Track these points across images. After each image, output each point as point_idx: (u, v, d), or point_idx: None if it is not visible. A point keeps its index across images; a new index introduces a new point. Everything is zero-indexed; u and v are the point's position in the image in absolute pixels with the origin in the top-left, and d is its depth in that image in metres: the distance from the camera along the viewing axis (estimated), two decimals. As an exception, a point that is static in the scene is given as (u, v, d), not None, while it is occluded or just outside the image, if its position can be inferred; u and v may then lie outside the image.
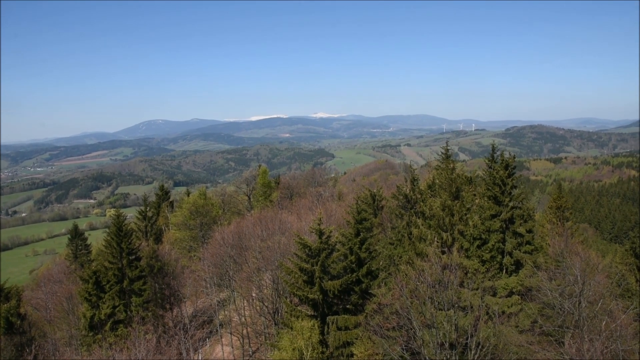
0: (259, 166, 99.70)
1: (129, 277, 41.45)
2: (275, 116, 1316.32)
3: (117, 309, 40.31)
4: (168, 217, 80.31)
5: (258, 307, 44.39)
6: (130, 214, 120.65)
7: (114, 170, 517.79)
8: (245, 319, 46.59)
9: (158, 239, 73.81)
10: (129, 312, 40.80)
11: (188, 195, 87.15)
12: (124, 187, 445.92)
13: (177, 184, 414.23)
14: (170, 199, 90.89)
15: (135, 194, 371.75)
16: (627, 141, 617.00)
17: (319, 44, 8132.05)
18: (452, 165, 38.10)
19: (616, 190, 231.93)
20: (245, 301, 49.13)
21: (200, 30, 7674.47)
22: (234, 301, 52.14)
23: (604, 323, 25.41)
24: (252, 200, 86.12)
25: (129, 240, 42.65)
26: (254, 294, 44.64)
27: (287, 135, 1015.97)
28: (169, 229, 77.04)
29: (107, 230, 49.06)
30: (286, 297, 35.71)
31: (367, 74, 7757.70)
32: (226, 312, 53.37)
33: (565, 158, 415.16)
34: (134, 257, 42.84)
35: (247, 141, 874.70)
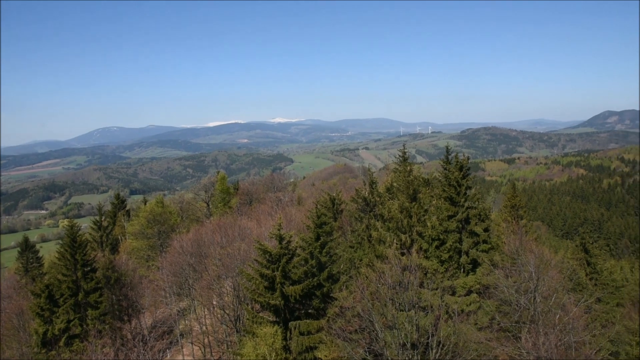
0: (218, 172, 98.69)
1: (84, 290, 40.17)
2: (233, 122, 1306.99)
3: (72, 323, 38.98)
4: (124, 227, 78.47)
5: (219, 315, 43.77)
6: (85, 224, 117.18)
7: (67, 180, 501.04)
8: (206, 328, 45.86)
9: (114, 249, 72.02)
10: (84, 326, 39.52)
11: (145, 204, 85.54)
12: (77, 197, 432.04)
13: (133, 192, 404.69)
14: (127, 208, 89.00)
15: (89, 204, 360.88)
16: (576, 141, 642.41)
17: (275, 48, 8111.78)
18: (409, 168, 38.61)
19: (566, 189, 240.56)
20: (205, 309, 48.35)
21: (154, 35, 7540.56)
22: (195, 310, 51.25)
23: (557, 317, 26.24)
24: (211, 207, 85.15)
25: (84, 252, 41.38)
26: (214, 302, 43.99)
27: (246, 140, 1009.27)
28: (125, 239, 75.28)
29: (60, 241, 47.43)
30: (247, 304, 35.33)
31: (325, 78, 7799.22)
32: (186, 322, 52.42)
33: (518, 158, 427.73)
34: (89, 268, 41.57)
35: (205, 147, 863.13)
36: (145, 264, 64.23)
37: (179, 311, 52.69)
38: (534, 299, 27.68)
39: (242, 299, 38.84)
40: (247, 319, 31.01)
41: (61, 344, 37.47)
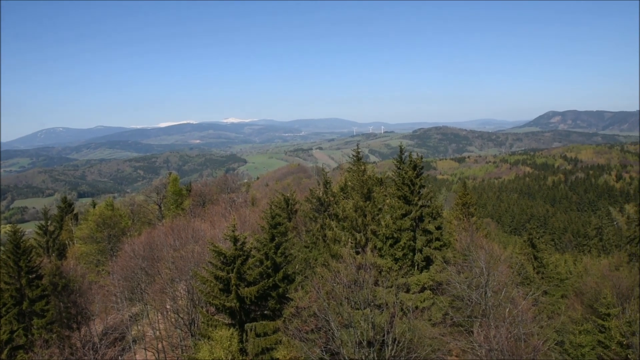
0: (170, 174, 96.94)
1: (29, 298, 38.54)
2: (185, 122, 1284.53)
3: (16, 333, 37.27)
4: (72, 231, 75.88)
5: (173, 319, 42.94)
6: (30, 229, 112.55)
7: (9, 183, 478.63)
8: (159, 333, 44.92)
9: (61, 255, 69.52)
10: (29, 336, 37.87)
11: (94, 207, 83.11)
12: (20, 201, 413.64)
13: (81, 195, 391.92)
14: (75, 212, 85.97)
15: (34, 208, 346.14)
16: (522, 140, 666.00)
17: (226, 49, 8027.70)
18: (363, 167, 38.93)
19: (514, 186, 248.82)
20: (159, 314, 47.35)
21: (101, 32, 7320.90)
22: (147, 315, 50.10)
23: (507, 310, 27.07)
24: (163, 209, 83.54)
25: (28, 258, 39.70)
26: (168, 306, 43.12)
27: (198, 141, 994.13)
28: (73, 243, 72.82)
29: (2, 248, 45.44)
30: (202, 307, 34.82)
31: (278, 78, 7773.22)
32: (139, 327, 51.17)
33: (469, 157, 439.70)
34: (34, 275, 39.89)
35: (156, 148, 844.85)
36: (95, 269, 62.31)
37: (131, 316, 51.40)
38: (485, 293, 28.48)
39: (197, 302, 38.25)
40: (202, 322, 30.53)
41: (3, 356, 35.79)
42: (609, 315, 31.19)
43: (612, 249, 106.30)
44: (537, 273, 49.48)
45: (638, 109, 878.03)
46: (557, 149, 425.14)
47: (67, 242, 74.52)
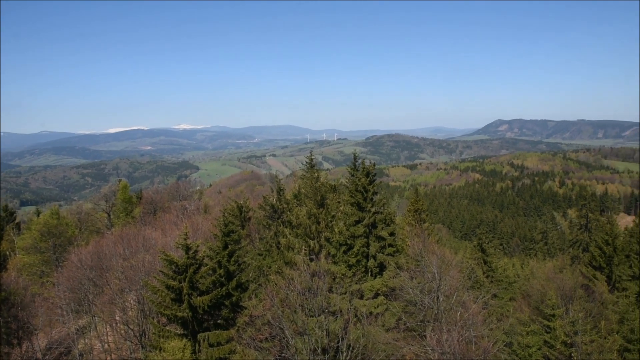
0: (119, 181, 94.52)
1: (-34, 312, 36.67)
2: (135, 128, 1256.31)
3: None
4: (14, 241, 72.66)
5: (123, 331, 41.69)
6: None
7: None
8: (108, 346, 43.51)
9: (2, 266, 66.39)
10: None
11: (38, 215, 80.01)
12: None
13: (24, 204, 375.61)
14: (17, 221, 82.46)
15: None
16: (472, 148, 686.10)
17: (178, 53, 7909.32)
18: (316, 175, 39.03)
19: (464, 192, 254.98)
20: (108, 326, 45.87)
21: (45, 31, 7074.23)
22: (95, 327, 48.43)
23: (458, 314, 27.62)
24: (112, 217, 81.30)
25: (-34, 270, 37.80)
26: (117, 318, 41.84)
27: (149, 147, 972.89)
28: (15, 254, 69.70)
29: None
30: (153, 318, 33.99)
31: (232, 84, 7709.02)
32: (86, 340, 49.38)
33: (420, 164, 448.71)
34: (-29, 288, 38.01)
35: (105, 155, 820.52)
36: (38, 281, 59.76)
37: (77, 330, 49.56)
38: (437, 298, 28.98)
39: (148, 313, 37.29)
40: (154, 334, 29.77)
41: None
42: (553, 316, 32.28)
43: (556, 252, 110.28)
44: (487, 277, 50.75)
45: (578, 118, 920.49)
46: (504, 156, 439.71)
47: (8, 253, 71.22)
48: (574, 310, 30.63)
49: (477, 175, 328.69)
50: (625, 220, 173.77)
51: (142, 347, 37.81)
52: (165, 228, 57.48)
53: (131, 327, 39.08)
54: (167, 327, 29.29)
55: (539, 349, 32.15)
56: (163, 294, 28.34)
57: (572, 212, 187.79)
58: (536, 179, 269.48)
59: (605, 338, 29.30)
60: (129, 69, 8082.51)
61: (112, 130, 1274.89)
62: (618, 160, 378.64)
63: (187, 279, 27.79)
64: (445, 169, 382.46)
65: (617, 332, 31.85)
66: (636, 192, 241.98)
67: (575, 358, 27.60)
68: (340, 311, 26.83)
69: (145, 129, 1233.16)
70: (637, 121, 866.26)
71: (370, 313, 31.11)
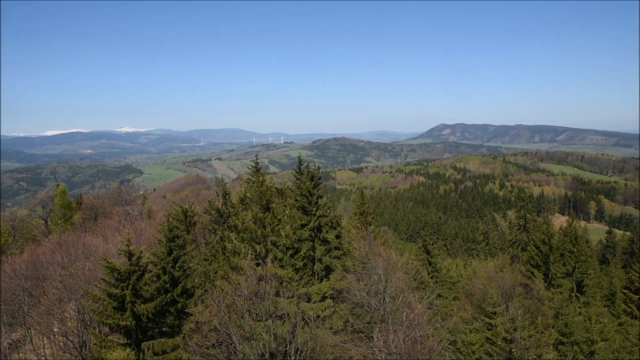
0: (57, 186, 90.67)
1: None
2: (74, 130, 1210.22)
3: None
4: (-59, 251, 68.57)
5: (61, 343, 39.96)
6: None
7: None
8: (46, 359, 41.64)
9: None
10: None
11: (-33, 224, 75.67)
12: None
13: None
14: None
15: None
16: (416, 151, 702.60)
17: (119, 53, 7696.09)
18: (262, 178, 38.86)
19: (409, 195, 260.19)
20: (44, 338, 43.89)
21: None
22: (31, 340, 46.25)
23: (404, 314, 28.11)
24: (49, 224, 78.09)
25: None
26: (55, 329, 40.09)
27: (90, 151, 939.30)
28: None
29: None
30: (94, 328, 32.82)
31: (176, 86, 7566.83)
32: (21, 354, 47.06)
33: (366, 167, 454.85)
34: None
35: (41, 158, 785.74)
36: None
37: (11, 344, 47.18)
38: (384, 299, 29.40)
39: (89, 323, 35.96)
40: (95, 344, 28.73)
41: None
42: (495, 313, 33.38)
43: (497, 252, 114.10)
44: (432, 277, 51.91)
45: (516, 123, 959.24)
46: (447, 159, 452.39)
47: None
48: (514, 307, 31.75)
49: (422, 178, 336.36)
50: (560, 220, 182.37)
51: (83, 359, 36.42)
52: (107, 234, 55.78)
53: (70, 338, 37.53)
54: (110, 337, 28.33)
55: (482, 346, 33.16)
56: (105, 302, 27.42)
57: (511, 213, 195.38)
58: (478, 181, 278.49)
59: (542, 333, 30.53)
60: (67, 68, 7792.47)
61: (50, 133, 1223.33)
62: (553, 163, 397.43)
63: (130, 287, 27.01)
64: (390, 172, 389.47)
65: (553, 327, 33.28)
66: (569, 193, 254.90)
67: (515, 353, 28.62)
68: (288, 315, 26.77)
69: (85, 131, 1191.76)
70: (570, 126, 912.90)
71: (318, 316, 31.18)
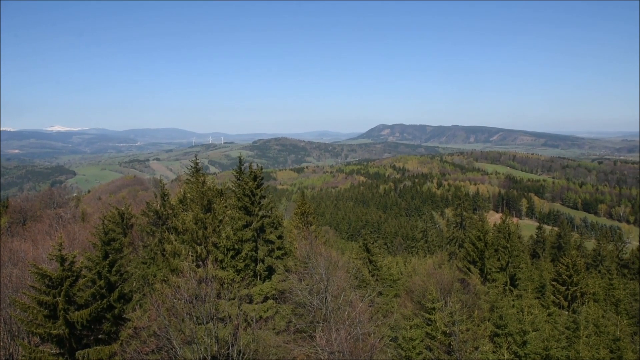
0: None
1: None
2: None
3: None
4: None
5: (-14, 356, 37.83)
6: None
7: None
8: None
9: None
10: None
11: None
12: None
13: None
14: None
15: None
16: (356, 151, 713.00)
17: (49, 45, 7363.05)
18: (202, 179, 38.20)
19: (350, 195, 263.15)
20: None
21: None
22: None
23: (346, 313, 28.38)
24: (-27, 229, 73.53)
25: None
26: (-21, 342, 37.89)
27: (17, 151, 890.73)
28: None
29: None
30: (23, 339, 31.19)
31: (111, 83, 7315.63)
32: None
33: (307, 167, 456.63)
34: None
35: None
36: None
37: None
38: (326, 298, 29.57)
39: (16, 333, 34.14)
40: (23, 356, 27.27)
41: None
42: (434, 309, 34.17)
43: (435, 249, 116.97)
44: (372, 276, 52.61)
45: (453, 124, 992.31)
46: (387, 159, 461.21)
47: None
48: (452, 302, 32.65)
49: (362, 178, 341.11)
50: (494, 218, 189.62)
51: (10, 372, 34.56)
52: (37, 239, 53.18)
53: (-3, 350, 35.58)
54: (40, 347, 27.00)
55: (422, 341, 33.90)
56: (35, 311, 26.09)
57: (448, 211, 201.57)
58: (416, 180, 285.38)
59: (478, 326, 31.62)
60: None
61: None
62: (487, 162, 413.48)
63: (62, 293, 25.84)
64: (331, 172, 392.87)
65: (489, 320, 34.52)
66: (503, 191, 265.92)
67: (453, 346, 29.46)
68: (230, 317, 26.46)
69: (12, 130, 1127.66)
70: (503, 127, 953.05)
71: (260, 317, 31.02)
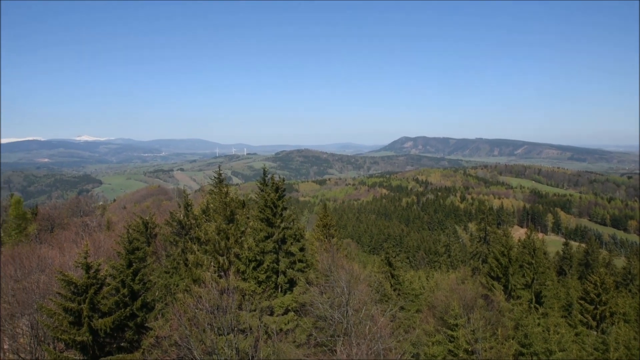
0: (12, 195, 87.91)
1: None
2: (31, 139, 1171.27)
3: None
4: None
5: (13, 361, 38.45)
6: None
7: None
8: (-5, 376, 39.89)
9: None
10: None
11: None
12: None
13: None
14: None
15: None
16: (379, 164, 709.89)
17: (79, 59, 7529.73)
18: (225, 189, 38.48)
19: (372, 207, 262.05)
20: (-5, 356, 42.13)
21: None
22: (-20, 357, 44.32)
23: (367, 327, 28.18)
24: (2, 235, 75.31)
25: None
26: (6, 346, 38.54)
27: (47, 160, 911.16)
28: None
29: None
30: (49, 344, 31.69)
31: (138, 95, 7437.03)
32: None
33: (329, 179, 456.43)
34: None
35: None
36: None
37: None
38: (347, 312, 29.41)
39: (42, 339, 34.69)
40: (48, 361, 27.76)
41: None
42: (456, 325, 33.79)
43: (458, 264, 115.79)
44: (394, 290, 52.25)
45: (476, 137, 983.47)
46: (410, 172, 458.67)
47: None
48: (475, 319, 32.26)
49: (384, 191, 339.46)
50: (518, 233, 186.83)
51: (35, 377, 35.06)
52: (64, 246, 54.17)
53: (22, 355, 36.11)
54: (65, 354, 27.42)
55: (444, 359, 33.51)
56: (60, 317, 26.55)
57: (472, 226, 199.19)
58: (439, 194, 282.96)
59: (502, 344, 31.12)
60: (24, 75, 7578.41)
61: (5, 141, 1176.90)
62: (512, 176, 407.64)
63: (87, 300, 26.25)
64: (353, 185, 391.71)
65: (513, 338, 33.91)
66: (527, 206, 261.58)
67: (475, 364, 29.04)
68: (250, 329, 26.49)
69: (43, 140, 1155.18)
70: (528, 140, 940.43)
71: (281, 329, 30.95)
